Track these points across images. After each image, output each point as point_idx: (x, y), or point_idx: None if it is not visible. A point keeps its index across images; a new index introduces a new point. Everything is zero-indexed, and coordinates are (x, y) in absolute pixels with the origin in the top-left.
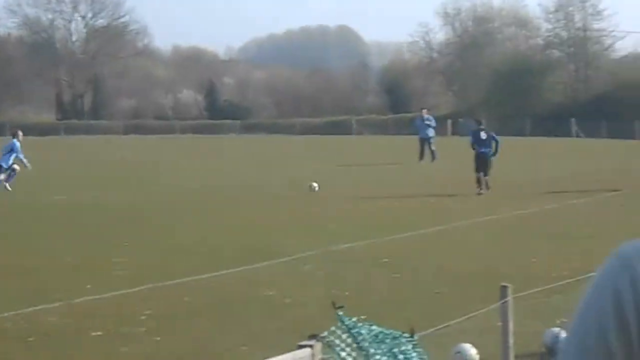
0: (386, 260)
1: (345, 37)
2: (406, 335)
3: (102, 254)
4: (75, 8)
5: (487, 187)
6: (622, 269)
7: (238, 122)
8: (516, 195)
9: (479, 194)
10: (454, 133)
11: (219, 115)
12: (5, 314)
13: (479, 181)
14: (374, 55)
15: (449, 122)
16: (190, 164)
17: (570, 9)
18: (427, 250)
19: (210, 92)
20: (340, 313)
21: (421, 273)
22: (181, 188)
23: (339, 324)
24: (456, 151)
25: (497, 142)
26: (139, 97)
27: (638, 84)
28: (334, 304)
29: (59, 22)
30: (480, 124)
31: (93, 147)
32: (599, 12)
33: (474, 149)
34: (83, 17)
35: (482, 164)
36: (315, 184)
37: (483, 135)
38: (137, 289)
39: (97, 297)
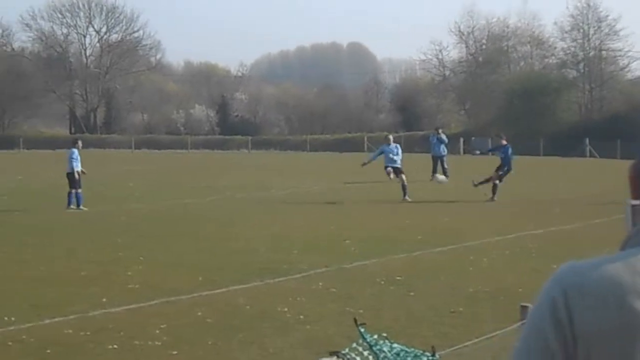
0: (400, 278)
1: (357, 54)
2: (427, 354)
3: (117, 267)
4: (89, 22)
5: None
6: (557, 282)
7: (249, 138)
8: (531, 215)
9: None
10: (466, 151)
11: (231, 131)
12: (23, 326)
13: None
14: (385, 72)
15: (462, 140)
16: (202, 178)
17: (587, 28)
18: (441, 269)
19: (222, 108)
20: (362, 330)
21: (436, 291)
22: (195, 202)
23: (360, 340)
24: (469, 170)
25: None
26: (151, 111)
27: None
28: (355, 320)
29: (73, 37)
30: (502, 138)
31: (107, 160)
32: (615, 32)
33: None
34: (97, 32)
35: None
36: (441, 177)
37: (510, 149)
38: (151, 302)
39: (112, 310)
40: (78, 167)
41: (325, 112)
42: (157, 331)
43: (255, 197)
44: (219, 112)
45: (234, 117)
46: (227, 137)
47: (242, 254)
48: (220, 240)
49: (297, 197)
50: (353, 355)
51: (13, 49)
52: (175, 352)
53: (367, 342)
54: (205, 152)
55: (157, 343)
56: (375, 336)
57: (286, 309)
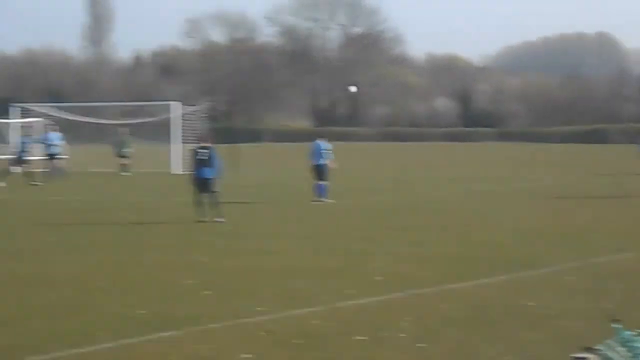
0: None
1: (604, 44)
2: None
3: (362, 259)
4: (332, 16)
5: None
6: None
7: (493, 129)
8: None
9: None
10: None
11: (473, 123)
12: (272, 316)
13: None
14: (633, 62)
15: None
16: (444, 171)
17: None
18: None
19: (465, 100)
20: (617, 326)
21: None
22: (437, 194)
23: (616, 337)
24: None
25: None
26: (393, 104)
27: None
28: (609, 316)
29: (317, 31)
30: None
31: (350, 153)
32: None
33: None
34: (340, 26)
35: None
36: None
37: None
38: (396, 294)
39: (358, 301)
40: (326, 160)
41: (569, 103)
42: (403, 323)
43: (498, 190)
44: (461, 104)
45: (476, 109)
46: (469, 129)
47: (487, 246)
48: (464, 233)
49: (542, 189)
50: (607, 352)
51: (259, 44)
52: (423, 345)
53: (623, 338)
54: (448, 144)
55: (403, 335)
56: (632, 333)
57: (534, 304)
